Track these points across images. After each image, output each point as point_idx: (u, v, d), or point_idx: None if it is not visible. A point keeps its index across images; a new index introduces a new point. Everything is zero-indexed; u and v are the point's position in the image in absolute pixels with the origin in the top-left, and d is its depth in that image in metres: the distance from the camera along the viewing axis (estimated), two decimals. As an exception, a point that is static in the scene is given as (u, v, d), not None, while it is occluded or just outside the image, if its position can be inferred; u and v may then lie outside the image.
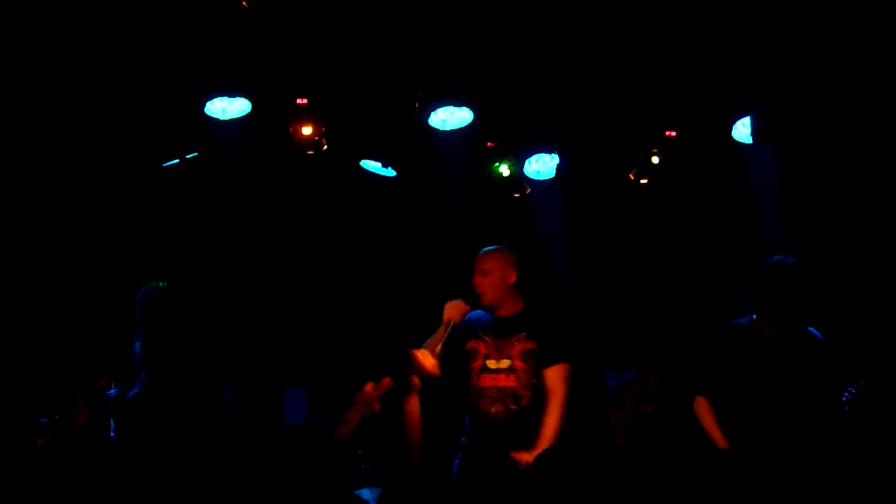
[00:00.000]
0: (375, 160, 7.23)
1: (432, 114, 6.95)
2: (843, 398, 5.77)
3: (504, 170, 7.26)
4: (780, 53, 6.46)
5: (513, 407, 5.45)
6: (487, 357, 5.55)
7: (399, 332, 7.30)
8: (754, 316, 5.59)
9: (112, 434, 5.49)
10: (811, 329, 5.66)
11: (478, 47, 6.64)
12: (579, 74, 6.90)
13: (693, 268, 7.52)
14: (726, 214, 7.49)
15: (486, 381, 5.52)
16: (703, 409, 5.60)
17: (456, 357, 5.57)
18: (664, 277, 7.61)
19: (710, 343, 5.69)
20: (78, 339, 6.91)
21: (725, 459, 5.40)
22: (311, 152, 6.96)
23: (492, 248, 5.70)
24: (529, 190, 7.35)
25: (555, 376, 5.41)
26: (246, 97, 6.77)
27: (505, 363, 5.52)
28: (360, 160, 7.25)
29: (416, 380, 5.34)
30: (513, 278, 5.64)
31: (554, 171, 7.26)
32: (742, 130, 7.03)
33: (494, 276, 5.64)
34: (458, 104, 6.93)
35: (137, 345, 5.64)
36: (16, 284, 6.85)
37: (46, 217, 7.07)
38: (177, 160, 7.08)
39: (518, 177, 7.30)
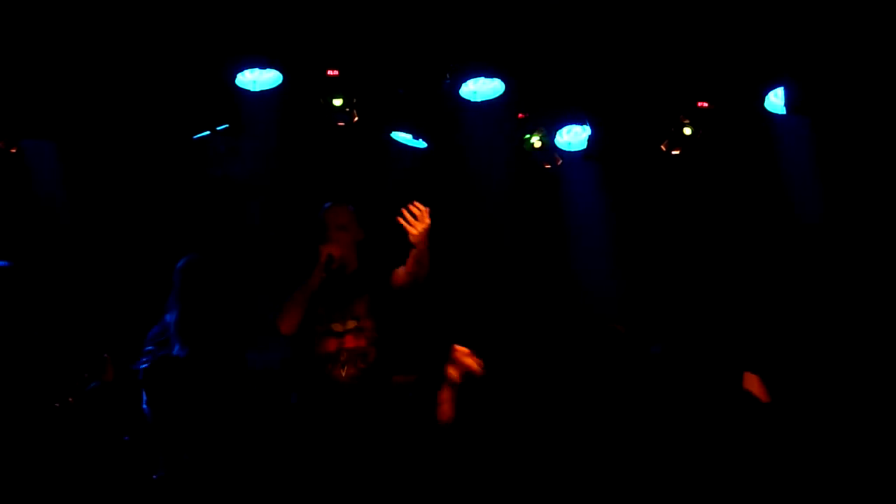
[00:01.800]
0: (406, 132, 7.20)
1: (463, 85, 6.93)
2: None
3: (535, 141, 7.23)
4: (813, 22, 6.42)
5: (361, 366, 5.39)
6: (331, 320, 5.49)
7: (428, 307, 7.32)
8: None
9: (144, 406, 5.52)
10: None
11: (509, 17, 6.62)
12: (611, 44, 6.86)
13: (724, 240, 7.47)
14: (759, 186, 7.43)
15: (333, 344, 5.47)
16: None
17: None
18: (695, 250, 7.57)
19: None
20: (107, 308, 6.95)
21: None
22: (342, 124, 6.96)
23: (338, 203, 5.74)
24: (560, 161, 7.31)
25: None
26: (277, 68, 6.77)
27: (351, 324, 5.46)
28: (390, 132, 7.22)
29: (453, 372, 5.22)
30: (361, 235, 5.68)
31: (586, 143, 7.23)
32: (775, 101, 6.98)
33: (351, 231, 5.72)
34: (489, 75, 6.91)
35: (170, 317, 5.66)
36: (50, 252, 6.91)
37: (81, 186, 7.11)
38: (207, 132, 7.08)
39: (549, 148, 7.27)
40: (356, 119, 6.96)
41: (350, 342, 5.46)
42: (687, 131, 7.14)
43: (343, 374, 5.40)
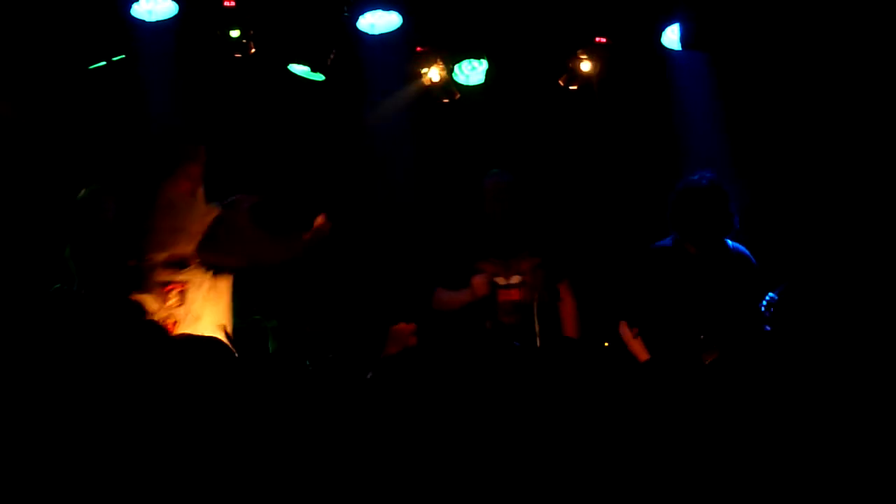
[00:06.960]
0: (304, 64, 7.15)
1: (361, 17, 6.91)
2: (762, 306, 5.81)
3: (433, 75, 7.22)
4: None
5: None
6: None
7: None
8: (676, 236, 5.68)
9: None
10: (736, 245, 5.73)
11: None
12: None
13: (619, 180, 7.47)
14: (655, 124, 7.46)
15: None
16: (625, 332, 5.69)
17: None
18: (590, 189, 7.59)
19: (634, 266, 5.77)
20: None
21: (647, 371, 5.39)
22: (239, 55, 6.91)
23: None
24: (458, 96, 7.31)
25: None
26: (172, -1, 6.70)
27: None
28: (288, 64, 7.17)
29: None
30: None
31: (484, 77, 7.24)
32: (671, 37, 7.00)
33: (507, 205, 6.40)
34: (386, 8, 6.88)
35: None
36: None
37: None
38: (104, 62, 7.01)
39: (447, 82, 7.26)
40: (253, 51, 6.91)
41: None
42: (585, 67, 7.15)
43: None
